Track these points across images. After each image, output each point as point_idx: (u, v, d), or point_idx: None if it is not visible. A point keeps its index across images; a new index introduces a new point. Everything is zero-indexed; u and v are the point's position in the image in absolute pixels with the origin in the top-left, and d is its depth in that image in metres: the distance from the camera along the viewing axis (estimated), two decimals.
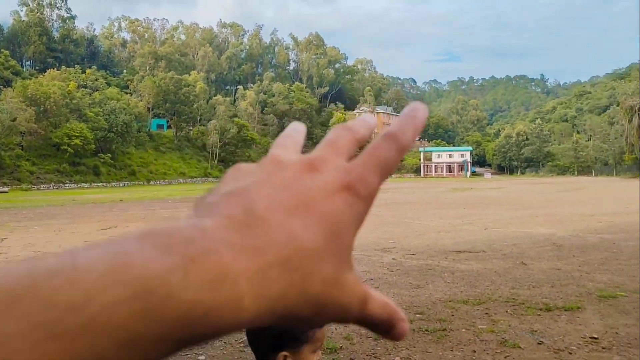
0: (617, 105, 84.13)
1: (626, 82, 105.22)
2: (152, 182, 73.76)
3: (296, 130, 0.40)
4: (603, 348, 4.59)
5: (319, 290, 0.28)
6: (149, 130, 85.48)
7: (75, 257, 0.23)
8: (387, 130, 0.32)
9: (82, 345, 0.22)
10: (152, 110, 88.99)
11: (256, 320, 0.26)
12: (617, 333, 4.96)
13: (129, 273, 0.23)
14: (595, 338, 4.83)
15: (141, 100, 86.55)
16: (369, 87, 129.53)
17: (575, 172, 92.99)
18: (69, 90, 68.73)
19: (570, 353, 4.49)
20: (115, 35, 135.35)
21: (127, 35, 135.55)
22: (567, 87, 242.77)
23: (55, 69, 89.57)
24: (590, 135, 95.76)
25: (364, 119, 0.37)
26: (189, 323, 0.24)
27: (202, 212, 0.28)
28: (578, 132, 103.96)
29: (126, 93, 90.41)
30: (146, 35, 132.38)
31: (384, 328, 0.32)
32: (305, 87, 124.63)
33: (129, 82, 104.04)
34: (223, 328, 0.25)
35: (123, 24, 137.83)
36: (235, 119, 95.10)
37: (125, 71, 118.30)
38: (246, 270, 0.25)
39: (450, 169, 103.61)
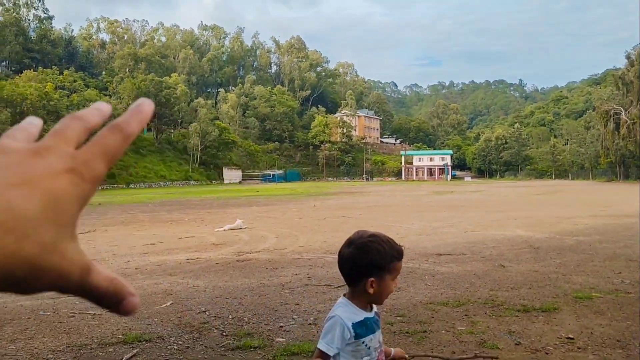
0: (593, 110, 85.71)
1: (602, 88, 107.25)
2: (131, 186, 72.95)
3: (30, 123, 0.42)
4: (578, 348, 4.69)
5: (35, 252, 0.31)
6: None
7: None
8: (113, 122, 0.37)
9: None
10: None
11: None
12: (592, 333, 5.07)
13: None
14: (571, 338, 4.94)
15: (121, 102, 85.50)
16: (350, 91, 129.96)
17: (553, 176, 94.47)
18: (46, 91, 67.69)
19: (547, 353, 4.58)
20: (94, 37, 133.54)
21: (106, 37, 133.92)
22: (544, 92, 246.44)
23: (32, 69, 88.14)
24: (567, 140, 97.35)
25: (97, 106, 0.41)
26: None
27: None
28: (555, 137, 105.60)
29: (105, 95, 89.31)
30: (126, 36, 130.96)
31: (111, 301, 0.37)
32: (287, 90, 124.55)
33: (108, 83, 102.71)
34: None
35: (102, 25, 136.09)
36: (217, 122, 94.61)
37: (104, 73, 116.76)
38: None
39: (431, 172, 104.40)
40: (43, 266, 0.32)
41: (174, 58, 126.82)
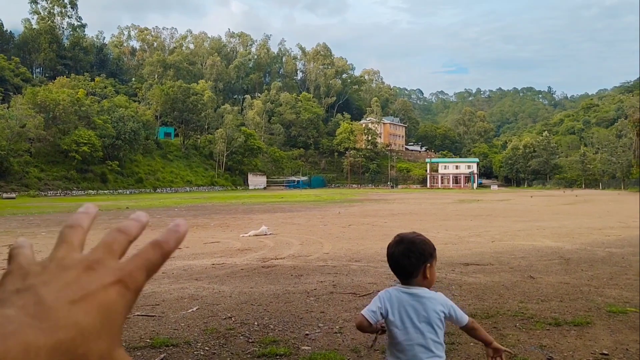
0: (625, 119, 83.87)
1: (634, 96, 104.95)
2: (158, 190, 74.02)
3: (87, 214, 0.46)
4: None
5: None
6: (156, 138, 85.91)
7: None
8: (155, 240, 0.44)
9: None
10: (160, 118, 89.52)
11: None
12: (627, 349, 4.91)
13: None
14: (606, 354, 4.79)
15: (149, 108, 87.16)
16: (375, 98, 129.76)
17: (583, 185, 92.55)
18: (78, 97, 69.27)
19: None
20: (125, 44, 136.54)
21: (136, 44, 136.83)
22: (574, 99, 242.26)
23: (64, 76, 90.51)
24: (598, 148, 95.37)
25: (137, 218, 0.47)
26: None
27: None
28: (585, 145, 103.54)
29: (134, 101, 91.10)
30: (155, 44, 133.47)
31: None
32: (313, 97, 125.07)
33: (138, 90, 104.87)
34: None
35: (132, 33, 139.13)
36: (242, 128, 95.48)
37: (133, 79, 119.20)
38: (44, 345, 0.34)
39: (456, 180, 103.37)
40: None
41: (201, 65, 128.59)
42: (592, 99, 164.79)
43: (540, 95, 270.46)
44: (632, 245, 12.43)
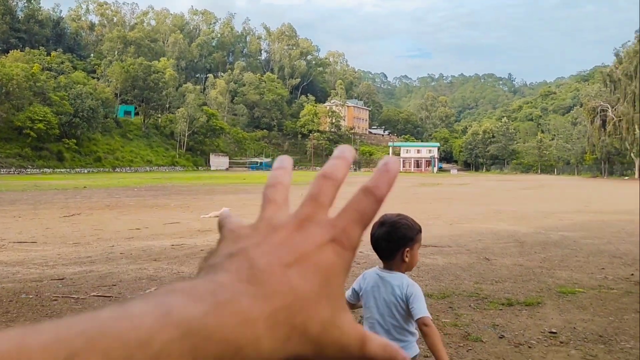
0: (581, 107, 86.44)
1: (590, 84, 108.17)
2: (117, 170, 72.40)
3: (283, 168, 0.44)
4: (561, 342, 4.73)
5: (318, 330, 0.32)
6: (116, 116, 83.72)
7: (126, 308, 0.28)
8: (365, 185, 0.38)
9: None
10: (120, 96, 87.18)
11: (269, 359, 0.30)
12: (574, 328, 5.11)
13: (174, 317, 0.28)
14: (554, 333, 4.97)
15: (108, 86, 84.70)
16: (340, 80, 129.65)
17: (539, 171, 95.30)
18: (33, 72, 66.66)
19: (529, 347, 4.61)
20: (83, 18, 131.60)
21: (95, 19, 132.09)
22: (533, 87, 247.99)
23: (18, 50, 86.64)
24: (554, 135, 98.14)
25: (341, 155, 0.41)
26: None
27: (211, 271, 0.34)
28: (542, 132, 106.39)
29: (93, 78, 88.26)
30: (115, 19, 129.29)
31: None
32: (277, 78, 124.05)
33: (96, 66, 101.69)
34: None
35: (91, 7, 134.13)
36: (205, 108, 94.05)
37: (92, 55, 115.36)
38: (261, 314, 0.30)
39: (418, 164, 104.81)
40: (326, 343, 0.33)
41: (163, 42, 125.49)
42: (550, 87, 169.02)
43: (500, 82, 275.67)
44: (583, 229, 12.91)
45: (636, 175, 69.82)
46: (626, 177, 69.85)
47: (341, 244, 0.35)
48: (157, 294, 0.30)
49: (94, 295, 6.21)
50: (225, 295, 0.30)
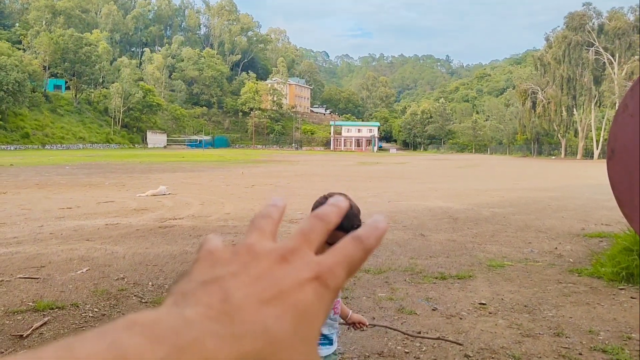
0: (513, 89, 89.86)
1: (522, 68, 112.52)
2: (47, 147, 68.92)
3: (277, 207, 0.41)
4: (490, 313, 4.96)
5: None
6: (45, 90, 79.31)
7: (73, 348, 0.25)
8: (354, 234, 0.36)
9: None
10: (49, 69, 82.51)
11: None
12: (502, 299, 5.38)
13: None
14: (484, 304, 5.21)
15: (36, 58, 79.89)
16: (281, 58, 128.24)
17: (473, 150, 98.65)
18: None
19: (461, 318, 4.81)
20: None
21: None
22: (469, 69, 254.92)
23: None
24: (488, 116, 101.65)
25: (337, 204, 0.40)
26: None
27: (180, 300, 0.30)
28: (477, 112, 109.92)
29: (19, 49, 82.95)
30: None
31: None
32: (217, 54, 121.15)
33: (22, 37, 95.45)
34: None
35: None
36: (141, 83, 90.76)
37: (17, 25, 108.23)
38: (228, 358, 0.27)
39: (358, 143, 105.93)
40: None
41: (95, 13, 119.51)
42: (485, 69, 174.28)
43: (438, 64, 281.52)
44: (512, 205, 13.52)
45: (562, 155, 73.69)
46: (553, 157, 73.62)
47: (324, 283, 0.33)
48: (113, 329, 0.27)
49: (20, 278, 5.93)
50: (190, 336, 0.27)
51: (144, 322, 0.27)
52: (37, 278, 5.95)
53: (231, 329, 0.28)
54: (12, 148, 63.35)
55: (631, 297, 5.50)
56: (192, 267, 0.34)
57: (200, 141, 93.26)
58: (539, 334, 4.44)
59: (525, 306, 5.16)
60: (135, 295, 5.39)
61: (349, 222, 1.90)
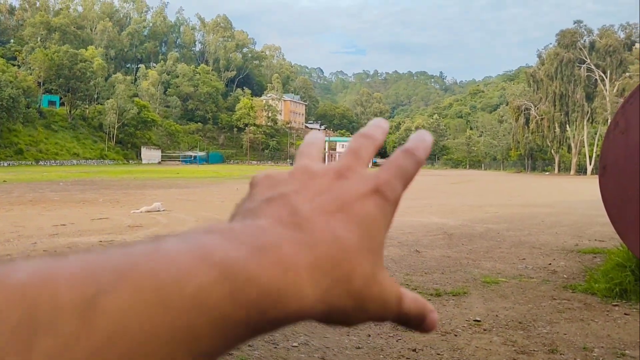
0: (506, 105, 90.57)
1: (515, 84, 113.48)
2: (41, 163, 68.70)
3: (318, 138, 0.42)
4: (484, 330, 4.96)
5: (361, 285, 0.30)
6: (39, 106, 79.25)
7: (160, 245, 0.26)
8: (404, 147, 0.37)
9: (184, 320, 0.24)
10: (44, 85, 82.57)
11: (311, 311, 0.28)
12: (497, 316, 5.38)
13: (214, 258, 0.26)
14: (478, 321, 5.21)
15: (31, 74, 80.00)
16: (276, 74, 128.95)
17: (467, 166, 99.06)
18: None
19: (455, 335, 4.81)
20: (2, 1, 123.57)
21: (15, 2, 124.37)
22: (463, 85, 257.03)
23: None
24: (482, 132, 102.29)
25: (378, 124, 0.41)
26: (265, 308, 0.26)
27: (249, 215, 0.32)
28: (471, 128, 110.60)
29: (13, 65, 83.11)
30: (38, 3, 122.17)
31: (417, 322, 0.35)
32: (212, 70, 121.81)
33: (17, 53, 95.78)
34: (288, 315, 0.27)
35: None
36: (136, 99, 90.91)
37: (12, 41, 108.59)
38: (304, 262, 0.28)
39: None
40: (367, 298, 0.31)
41: (91, 30, 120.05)
42: (478, 85, 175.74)
43: (432, 80, 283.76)
44: (506, 221, 13.56)
45: (556, 171, 74.10)
46: (547, 173, 74.02)
47: (384, 195, 0.33)
48: (192, 233, 0.28)
49: None
50: (267, 240, 0.28)
51: (221, 229, 0.28)
52: None
53: (304, 236, 0.29)
54: (6, 164, 63.13)
55: (625, 314, 5.52)
56: (250, 190, 0.35)
57: (195, 157, 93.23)
58: (534, 350, 4.44)
59: (519, 323, 5.17)
60: None
61: None
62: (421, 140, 0.38)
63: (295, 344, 4.58)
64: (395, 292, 0.33)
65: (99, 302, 0.22)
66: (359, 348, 4.54)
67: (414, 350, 4.44)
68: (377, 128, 0.40)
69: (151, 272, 0.24)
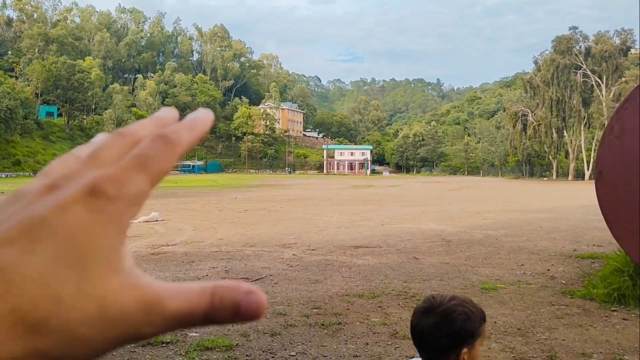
0: (504, 111, 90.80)
1: (512, 90, 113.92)
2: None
3: (89, 146, 0.32)
4: None
5: (48, 311, 0.25)
6: (37, 117, 79.35)
7: None
8: (157, 132, 0.31)
9: None
10: (41, 96, 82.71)
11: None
12: (495, 322, 5.36)
13: None
14: None
15: (28, 85, 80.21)
16: (274, 83, 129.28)
17: (465, 172, 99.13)
18: None
19: None
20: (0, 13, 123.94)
21: (13, 14, 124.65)
22: (460, 92, 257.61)
23: None
24: (480, 138, 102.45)
25: (160, 114, 0.34)
26: None
27: None
28: (469, 135, 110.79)
29: (11, 76, 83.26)
30: (35, 15, 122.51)
31: (225, 315, 0.28)
32: (209, 80, 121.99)
33: (15, 64, 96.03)
34: None
35: (8, 1, 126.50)
36: (134, 109, 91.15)
37: (10, 52, 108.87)
38: None
39: (351, 166, 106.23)
40: (75, 322, 0.25)
41: (88, 41, 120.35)
42: (475, 92, 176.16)
43: (429, 87, 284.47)
44: (505, 227, 13.56)
45: (554, 177, 74.18)
46: (545, 178, 74.08)
47: (104, 194, 0.27)
48: None
49: None
50: None
51: None
52: None
53: None
54: (4, 175, 63.04)
55: (623, 319, 5.51)
56: None
57: (193, 166, 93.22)
58: (533, 357, 4.43)
59: (518, 329, 5.16)
60: None
61: (471, 321, 1.63)
62: (189, 120, 0.33)
63: (293, 353, 4.55)
64: (139, 298, 0.27)
65: None
66: (356, 357, 4.52)
67: (413, 358, 4.42)
68: (155, 121, 0.34)
69: None
